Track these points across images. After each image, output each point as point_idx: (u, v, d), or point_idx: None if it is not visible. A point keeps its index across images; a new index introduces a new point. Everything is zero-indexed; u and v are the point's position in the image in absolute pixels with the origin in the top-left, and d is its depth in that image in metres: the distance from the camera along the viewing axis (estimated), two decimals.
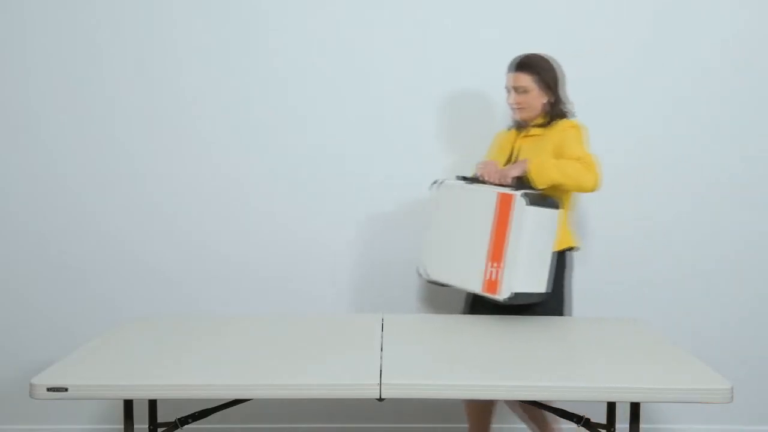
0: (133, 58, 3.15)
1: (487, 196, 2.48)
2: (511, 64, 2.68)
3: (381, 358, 2.15)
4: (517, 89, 2.64)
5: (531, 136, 2.67)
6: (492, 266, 2.44)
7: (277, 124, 3.17)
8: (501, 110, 3.07)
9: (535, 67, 2.62)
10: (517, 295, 2.40)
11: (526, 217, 2.38)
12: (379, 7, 3.12)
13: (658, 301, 3.22)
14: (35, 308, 3.23)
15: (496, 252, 2.44)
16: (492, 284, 2.44)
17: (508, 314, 2.61)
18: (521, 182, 2.49)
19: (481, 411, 2.80)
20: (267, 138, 3.18)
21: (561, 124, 2.61)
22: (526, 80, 2.62)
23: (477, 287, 2.48)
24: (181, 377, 1.99)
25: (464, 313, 2.83)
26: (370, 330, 2.47)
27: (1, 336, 3.24)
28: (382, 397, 1.96)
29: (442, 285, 2.62)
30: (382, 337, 2.38)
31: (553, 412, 2.44)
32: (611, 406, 2.46)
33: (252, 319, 2.62)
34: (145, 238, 3.21)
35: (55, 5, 3.12)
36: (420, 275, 2.69)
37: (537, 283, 2.47)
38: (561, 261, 2.64)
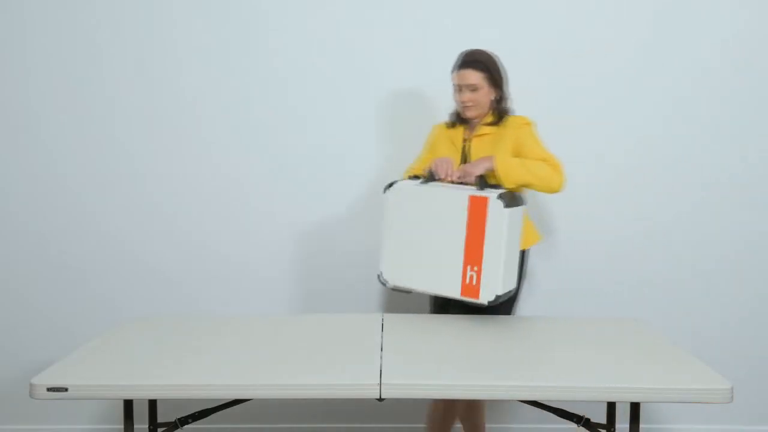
0: (133, 58, 3.15)
1: (456, 198, 2.39)
2: (458, 62, 2.59)
3: (381, 358, 2.15)
4: (468, 87, 2.56)
5: (483, 135, 2.60)
6: (471, 270, 2.37)
7: (277, 124, 3.17)
8: None
9: (484, 64, 2.56)
10: (497, 296, 2.36)
11: (503, 220, 2.32)
12: (379, 7, 3.12)
13: (658, 301, 3.22)
14: (35, 308, 3.23)
15: (474, 256, 2.37)
16: (472, 289, 2.38)
17: (476, 314, 2.59)
18: (484, 181, 2.42)
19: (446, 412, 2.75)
20: (267, 138, 3.17)
21: (513, 121, 2.58)
22: (476, 77, 2.55)
23: (455, 292, 2.41)
24: (181, 377, 1.99)
25: (432, 313, 2.81)
26: (370, 330, 2.47)
27: (1, 336, 3.24)
28: (382, 397, 1.96)
29: (405, 291, 2.53)
30: (382, 337, 2.38)
31: (553, 412, 2.44)
32: (611, 406, 2.46)
33: (252, 319, 2.62)
34: (145, 238, 3.21)
35: (55, 5, 3.12)
36: (381, 283, 2.59)
37: (511, 282, 2.43)
38: (523, 257, 2.65)
